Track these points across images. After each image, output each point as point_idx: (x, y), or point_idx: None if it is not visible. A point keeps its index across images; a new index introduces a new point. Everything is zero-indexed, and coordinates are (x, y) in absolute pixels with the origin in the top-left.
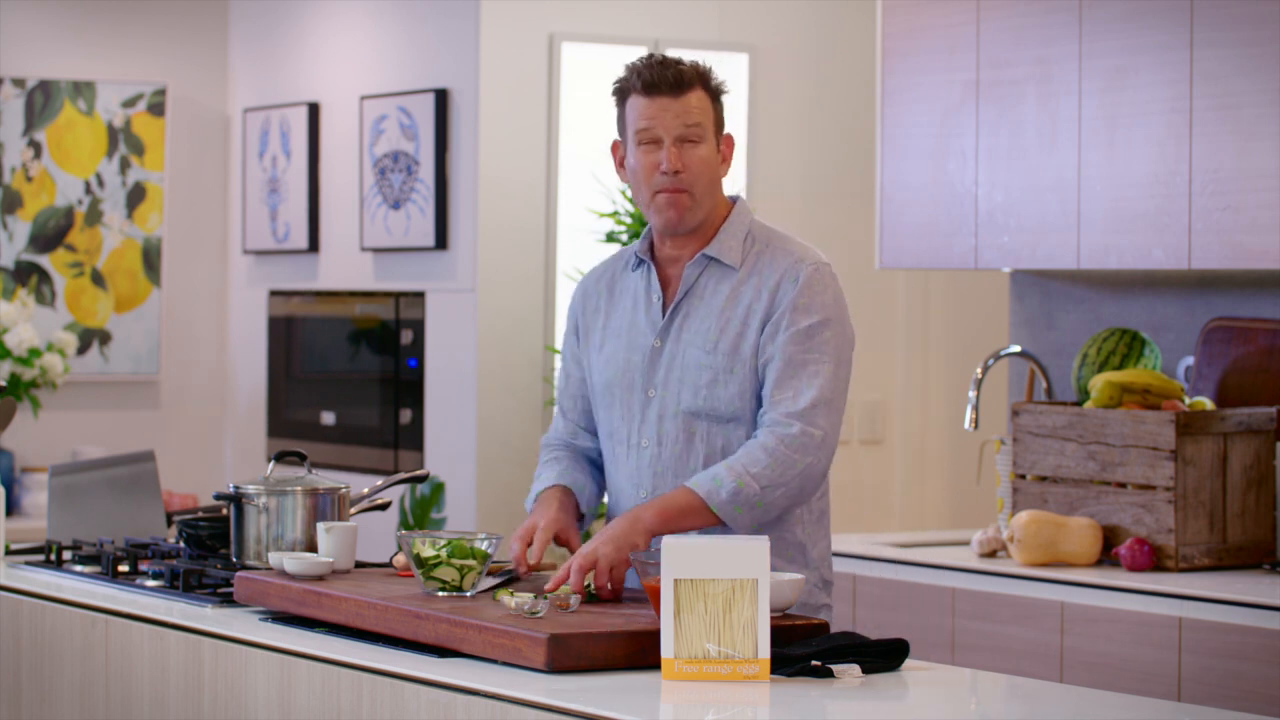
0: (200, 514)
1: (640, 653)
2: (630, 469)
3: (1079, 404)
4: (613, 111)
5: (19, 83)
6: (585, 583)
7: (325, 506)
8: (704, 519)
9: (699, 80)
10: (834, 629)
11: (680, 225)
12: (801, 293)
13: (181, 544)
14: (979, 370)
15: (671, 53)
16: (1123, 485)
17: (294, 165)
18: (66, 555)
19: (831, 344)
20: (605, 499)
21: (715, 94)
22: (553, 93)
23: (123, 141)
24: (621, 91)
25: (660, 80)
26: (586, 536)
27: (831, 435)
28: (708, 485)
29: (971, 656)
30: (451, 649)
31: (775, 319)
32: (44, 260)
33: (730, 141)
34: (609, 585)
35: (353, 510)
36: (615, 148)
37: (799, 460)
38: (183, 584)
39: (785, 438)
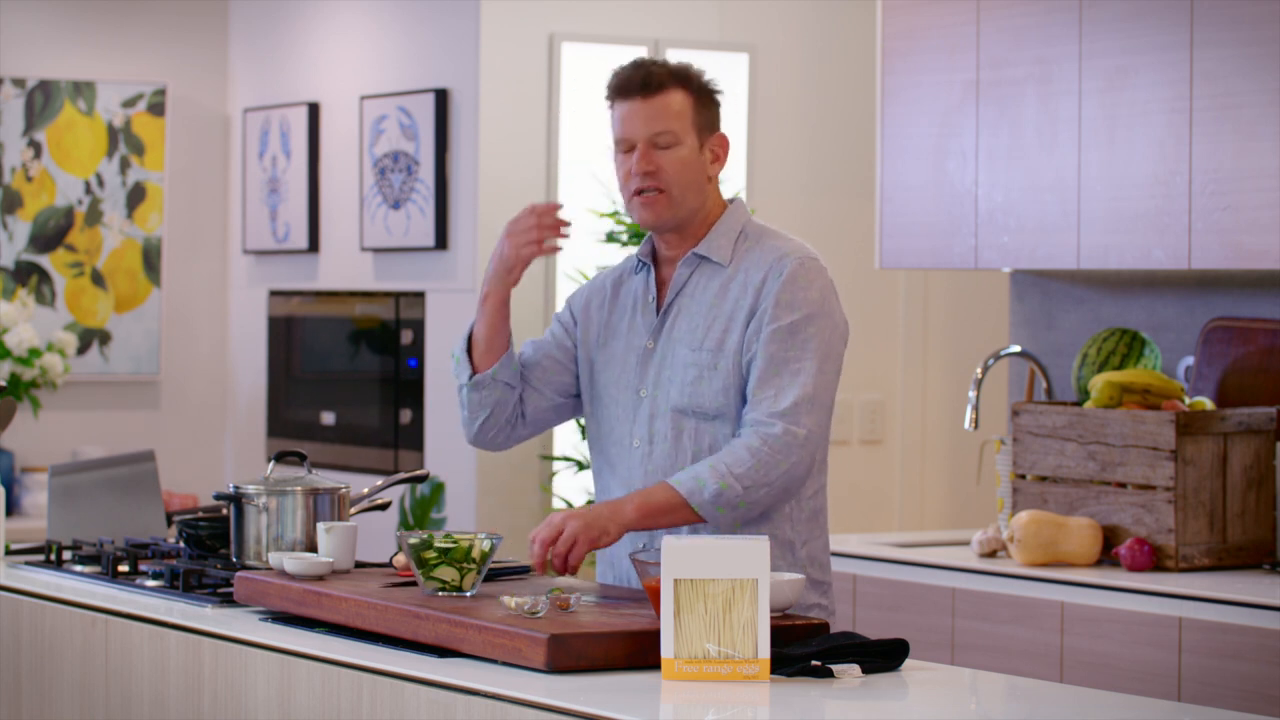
0: (200, 514)
1: (640, 653)
2: (624, 470)
3: (1079, 404)
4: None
5: (19, 83)
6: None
7: (325, 506)
8: (685, 516)
9: (675, 81)
10: (833, 629)
11: (657, 224)
12: (785, 288)
13: (181, 544)
14: (979, 370)
15: (672, 54)
16: (1123, 485)
17: (294, 165)
18: (66, 555)
19: (815, 340)
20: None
21: (700, 94)
22: (553, 93)
23: (123, 141)
24: (607, 98)
25: (629, 83)
26: None
27: (816, 433)
28: (690, 484)
29: (971, 656)
30: (451, 649)
31: (759, 316)
32: (44, 260)
33: (723, 142)
34: (566, 562)
35: (353, 510)
36: None
37: (782, 461)
38: (183, 584)
39: (769, 438)
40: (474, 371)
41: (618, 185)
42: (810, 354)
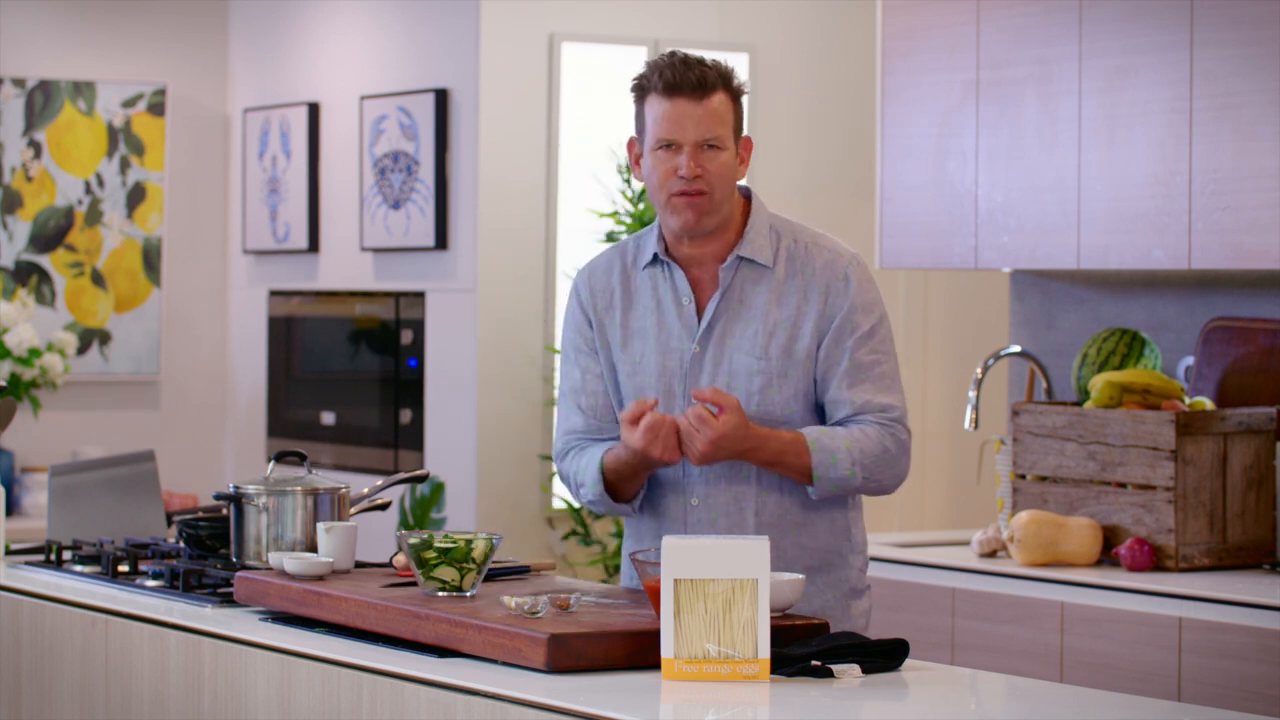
0: (200, 514)
1: (640, 653)
2: (674, 476)
3: (1079, 404)
4: (612, 111)
5: (19, 83)
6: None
7: (325, 506)
8: (797, 477)
9: (722, 83)
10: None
11: (698, 228)
12: (857, 293)
13: (181, 544)
14: (979, 370)
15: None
16: (1123, 485)
17: (294, 165)
18: (66, 555)
19: (888, 339)
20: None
21: (737, 96)
22: (553, 93)
23: (123, 141)
24: (640, 89)
25: (683, 82)
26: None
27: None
28: (824, 457)
29: (971, 656)
30: (451, 649)
31: (838, 324)
32: (44, 260)
33: (748, 144)
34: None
35: (353, 510)
36: (631, 144)
37: (901, 464)
38: (183, 584)
39: (899, 443)
40: (620, 499)
41: (653, 183)
42: (888, 354)
